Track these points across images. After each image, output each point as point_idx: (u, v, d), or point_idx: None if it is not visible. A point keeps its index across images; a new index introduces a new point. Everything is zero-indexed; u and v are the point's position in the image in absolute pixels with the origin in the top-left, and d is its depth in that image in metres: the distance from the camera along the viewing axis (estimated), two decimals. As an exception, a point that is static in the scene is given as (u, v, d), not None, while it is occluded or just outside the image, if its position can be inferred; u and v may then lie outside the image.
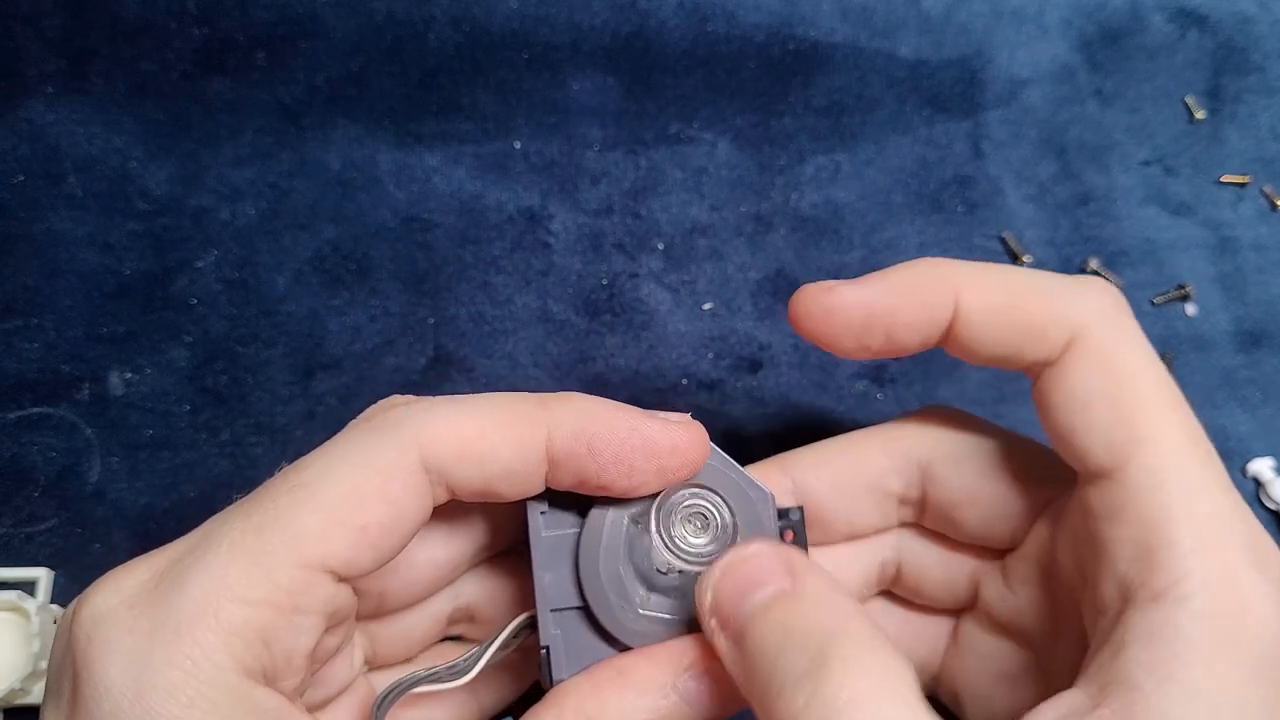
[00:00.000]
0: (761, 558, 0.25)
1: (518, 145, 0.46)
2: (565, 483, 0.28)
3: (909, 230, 0.46)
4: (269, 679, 0.24)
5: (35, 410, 0.40)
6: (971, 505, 0.30)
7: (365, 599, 0.29)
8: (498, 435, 0.26)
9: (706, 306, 0.44)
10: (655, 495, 0.28)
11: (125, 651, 0.22)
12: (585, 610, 0.28)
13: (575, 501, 0.29)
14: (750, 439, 0.42)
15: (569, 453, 0.27)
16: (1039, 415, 0.28)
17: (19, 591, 0.35)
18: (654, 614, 0.28)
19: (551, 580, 0.28)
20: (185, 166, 0.44)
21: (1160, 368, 0.27)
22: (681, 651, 0.26)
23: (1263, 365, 0.44)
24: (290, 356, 0.42)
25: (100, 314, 0.41)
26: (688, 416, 0.28)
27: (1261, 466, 0.42)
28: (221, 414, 0.41)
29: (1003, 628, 0.31)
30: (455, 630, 0.33)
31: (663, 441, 0.27)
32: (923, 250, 0.46)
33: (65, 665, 0.23)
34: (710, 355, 0.43)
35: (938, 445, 0.31)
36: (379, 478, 0.25)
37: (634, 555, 0.28)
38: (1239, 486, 0.42)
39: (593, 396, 0.28)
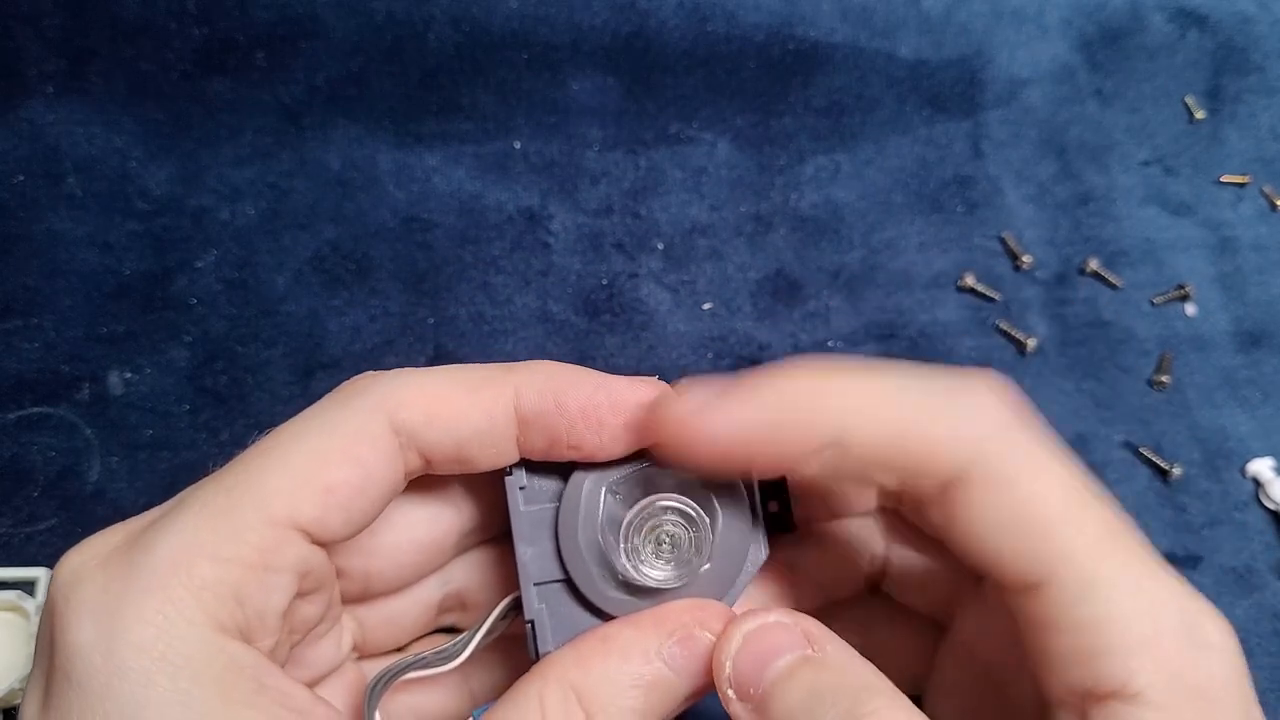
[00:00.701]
0: (779, 628, 0.25)
1: (518, 145, 0.46)
2: (538, 446, 0.28)
3: (909, 230, 0.46)
4: (244, 637, 0.24)
5: (35, 410, 0.40)
6: (919, 578, 0.30)
7: (349, 580, 0.29)
8: (465, 398, 0.27)
9: (706, 306, 0.44)
10: (632, 468, 0.28)
11: (97, 609, 0.22)
12: (568, 583, 0.28)
13: (553, 473, 0.29)
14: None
15: (537, 410, 0.27)
16: (944, 539, 0.27)
17: (19, 591, 0.35)
18: (631, 577, 0.28)
19: (533, 554, 0.28)
20: (185, 166, 0.44)
21: (1067, 467, 0.26)
22: (665, 617, 0.27)
23: (1263, 365, 0.44)
24: (290, 356, 0.42)
25: (100, 314, 0.41)
26: (654, 378, 0.28)
27: (1261, 466, 0.42)
28: (221, 414, 0.41)
29: (971, 655, 0.31)
30: (448, 619, 0.33)
31: (629, 395, 0.27)
32: (923, 250, 0.46)
33: (44, 629, 0.24)
34: (710, 355, 0.43)
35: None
36: (345, 440, 0.25)
37: (613, 525, 0.28)
38: (1239, 487, 0.42)
39: (559, 363, 0.28)
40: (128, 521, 0.25)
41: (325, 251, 0.43)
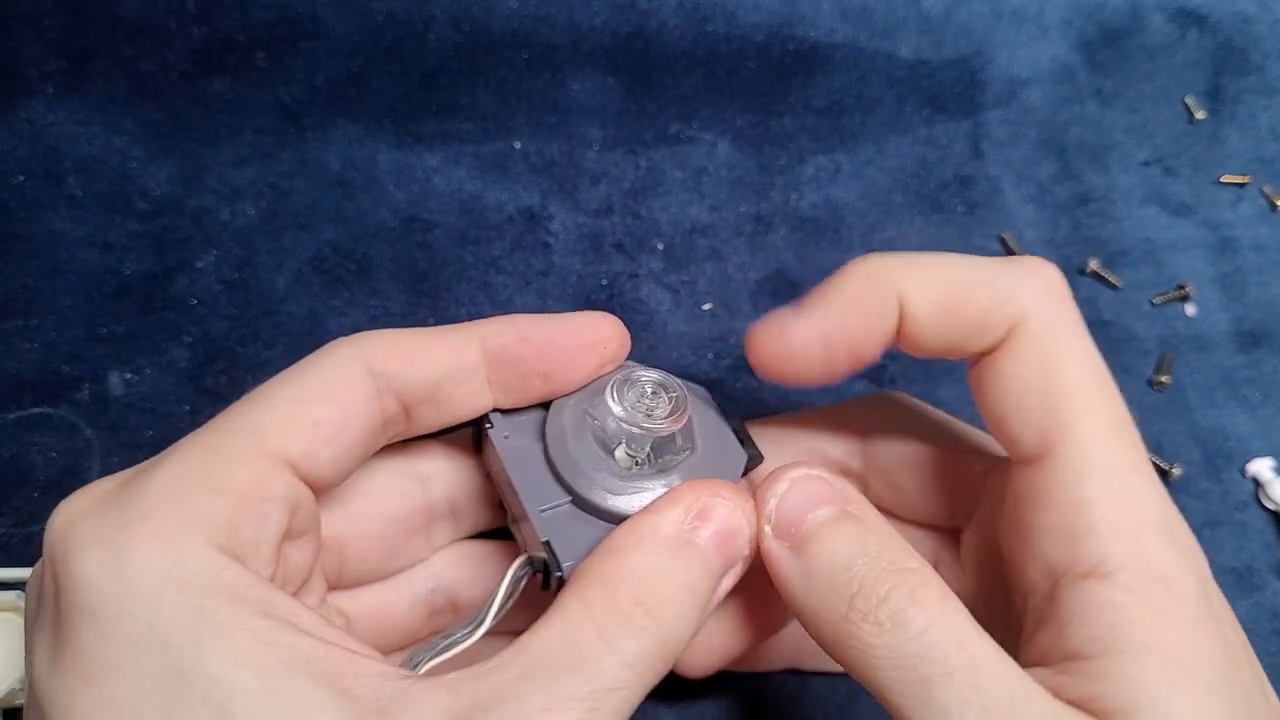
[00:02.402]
0: (823, 481, 0.27)
1: (518, 145, 0.46)
2: (510, 383, 0.29)
3: (909, 230, 0.46)
4: (251, 568, 0.24)
5: (35, 410, 0.40)
6: (907, 477, 0.32)
7: (325, 551, 0.30)
8: (435, 343, 0.29)
9: (706, 307, 0.44)
10: (602, 390, 0.30)
11: (98, 540, 0.23)
12: (572, 503, 0.29)
13: (529, 418, 0.30)
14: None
15: (503, 345, 0.29)
16: (975, 400, 0.29)
17: (18, 591, 0.35)
18: (637, 481, 0.29)
19: (532, 483, 0.29)
20: (185, 166, 0.44)
21: (1093, 354, 0.28)
22: (678, 497, 0.27)
23: (1262, 365, 0.44)
24: (290, 356, 0.41)
25: (100, 314, 0.41)
26: (605, 313, 0.31)
27: (1261, 466, 0.42)
28: (221, 414, 0.41)
29: (971, 555, 0.32)
30: (441, 621, 0.33)
31: (588, 322, 0.30)
32: (923, 250, 0.46)
33: (45, 580, 0.24)
34: (710, 355, 0.43)
35: (877, 420, 0.33)
36: (325, 382, 0.27)
37: (598, 435, 0.30)
38: (1239, 487, 0.42)
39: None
40: (119, 473, 0.26)
41: (325, 251, 0.43)
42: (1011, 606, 0.29)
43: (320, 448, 0.26)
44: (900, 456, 0.32)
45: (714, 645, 0.31)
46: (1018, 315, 0.27)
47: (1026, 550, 0.27)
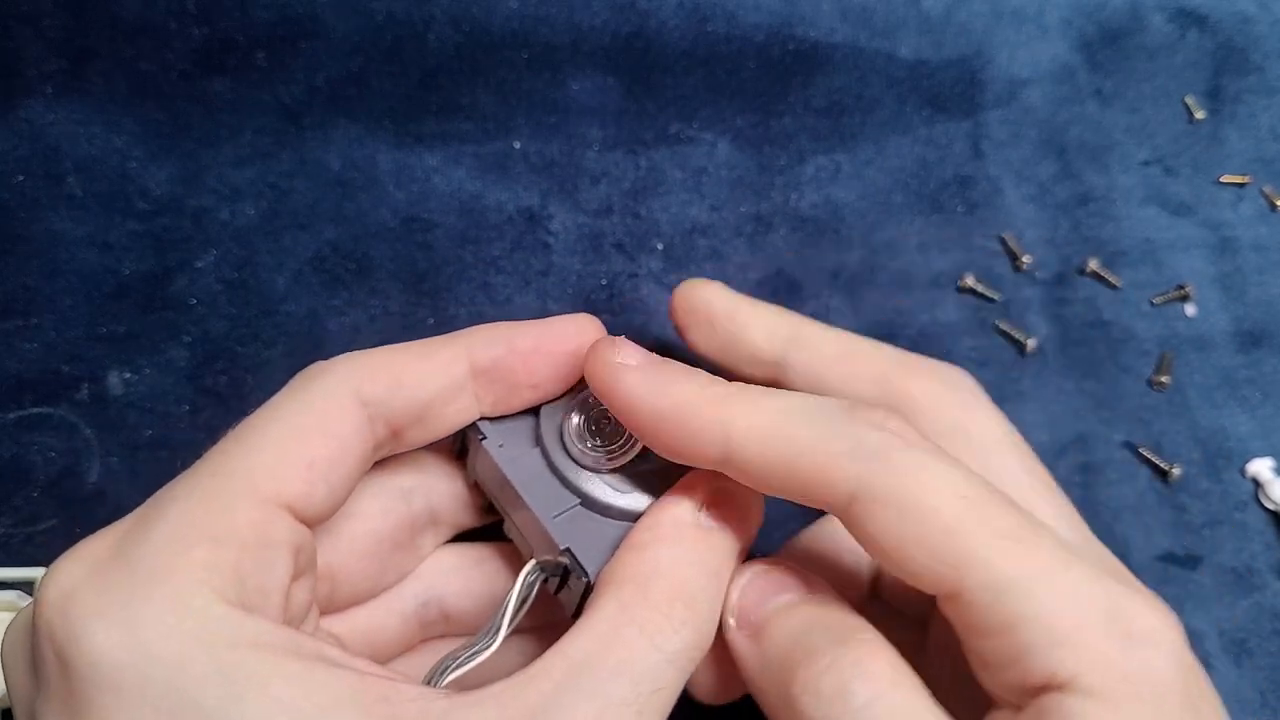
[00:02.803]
0: (787, 570, 0.27)
1: (518, 145, 0.46)
2: (498, 397, 0.29)
3: (909, 230, 0.46)
4: (267, 616, 0.24)
5: (35, 410, 0.40)
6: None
7: (318, 580, 0.29)
8: (422, 363, 0.28)
9: (706, 306, 0.44)
10: (588, 393, 0.30)
11: (105, 613, 0.22)
12: (581, 504, 0.29)
13: (519, 426, 0.30)
14: None
15: (490, 357, 0.29)
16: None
17: (18, 591, 0.35)
18: (639, 474, 0.29)
19: (539, 491, 0.29)
20: (185, 166, 0.44)
21: (955, 476, 0.25)
22: (691, 485, 0.28)
23: (1262, 365, 0.44)
24: (290, 356, 0.42)
25: (100, 314, 0.41)
26: (589, 315, 0.31)
27: (1261, 467, 0.42)
28: (221, 414, 0.41)
29: (940, 654, 0.31)
30: (435, 633, 0.33)
31: (570, 326, 0.30)
32: (923, 250, 0.46)
33: (44, 654, 0.22)
34: (710, 355, 0.43)
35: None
36: (318, 416, 0.26)
37: (592, 431, 0.30)
38: (1239, 487, 0.42)
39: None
40: (108, 528, 0.24)
41: (325, 251, 0.43)
42: (975, 694, 0.28)
43: (316, 486, 0.26)
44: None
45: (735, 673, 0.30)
46: (855, 481, 0.25)
47: (980, 670, 0.25)
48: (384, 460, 0.30)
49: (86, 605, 0.22)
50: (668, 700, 0.24)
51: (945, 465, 0.25)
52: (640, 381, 0.27)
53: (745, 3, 0.48)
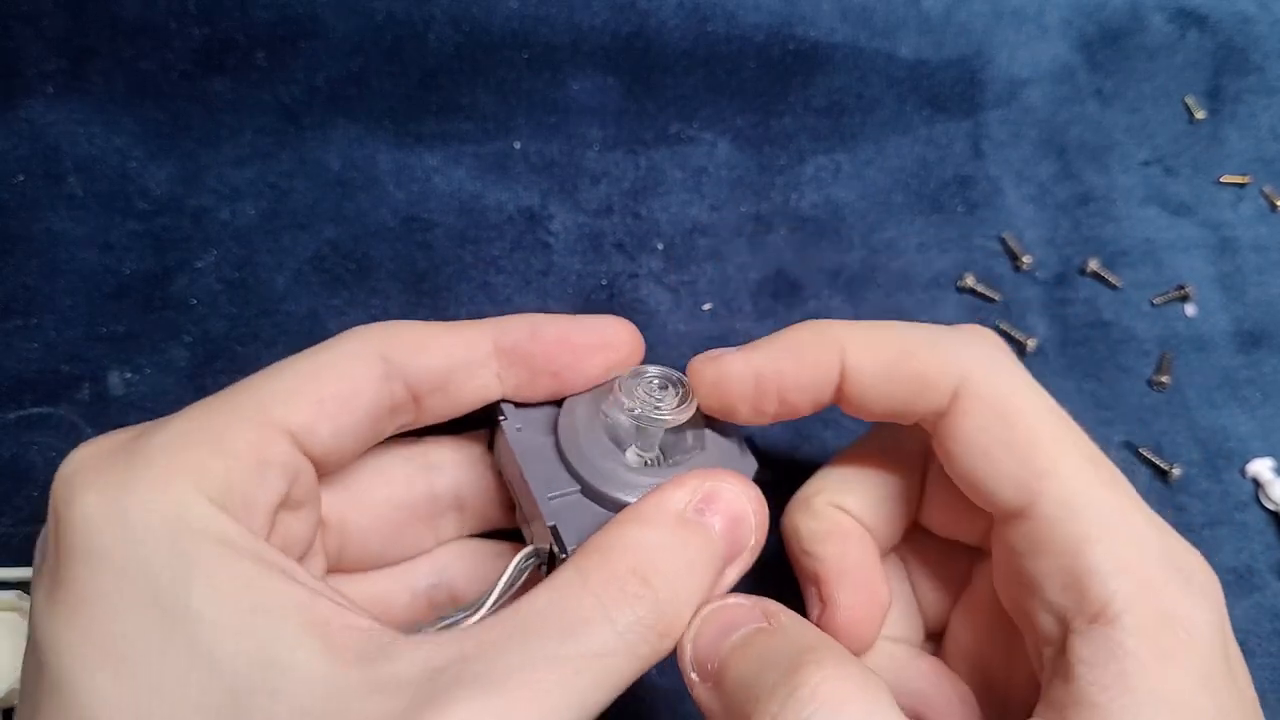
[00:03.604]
0: (737, 607, 0.26)
1: (518, 145, 0.46)
2: (520, 381, 0.30)
3: (909, 230, 0.46)
4: (244, 522, 0.25)
5: (35, 410, 0.40)
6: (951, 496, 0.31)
7: (328, 530, 0.30)
8: (448, 334, 0.29)
9: (706, 307, 0.44)
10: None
11: (100, 485, 0.24)
12: (581, 492, 0.29)
13: (540, 415, 0.31)
14: (748, 438, 0.42)
15: (514, 340, 0.30)
16: (946, 469, 0.28)
17: (18, 591, 0.35)
18: (647, 476, 0.29)
19: (542, 473, 0.29)
20: (185, 166, 0.44)
21: (1049, 402, 0.27)
22: (683, 481, 0.27)
23: (1262, 365, 0.44)
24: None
25: (100, 314, 0.41)
26: (619, 317, 0.31)
27: (1261, 467, 0.42)
28: (221, 414, 0.40)
29: (961, 663, 0.31)
30: (441, 614, 0.34)
31: (600, 324, 0.31)
32: (923, 250, 0.46)
33: (49, 524, 0.25)
34: (710, 355, 0.43)
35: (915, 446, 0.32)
36: (336, 361, 0.28)
37: (610, 432, 0.30)
38: (1239, 487, 0.42)
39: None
40: (124, 429, 0.26)
41: (325, 251, 0.43)
42: (1017, 662, 0.28)
43: (322, 422, 0.27)
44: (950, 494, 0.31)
45: None
46: (962, 377, 0.27)
47: (1032, 600, 0.26)
48: (419, 438, 0.31)
49: (86, 478, 0.24)
50: (618, 671, 0.23)
51: (1036, 385, 0.27)
52: (745, 349, 0.29)
53: (745, 3, 0.48)
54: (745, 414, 0.30)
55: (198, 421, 0.26)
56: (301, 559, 0.29)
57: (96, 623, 0.22)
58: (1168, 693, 0.23)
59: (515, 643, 0.23)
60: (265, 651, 0.22)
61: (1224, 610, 0.25)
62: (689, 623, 0.25)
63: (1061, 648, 0.25)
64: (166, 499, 0.23)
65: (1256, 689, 0.40)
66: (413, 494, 0.32)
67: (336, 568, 0.31)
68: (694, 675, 0.25)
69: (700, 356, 0.30)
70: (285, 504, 0.27)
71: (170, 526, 0.23)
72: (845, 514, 0.31)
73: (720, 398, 0.30)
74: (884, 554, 0.32)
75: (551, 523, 0.28)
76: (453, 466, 0.32)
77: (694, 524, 0.26)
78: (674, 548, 0.25)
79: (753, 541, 0.27)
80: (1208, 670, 0.23)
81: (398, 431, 0.30)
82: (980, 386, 0.27)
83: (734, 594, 0.27)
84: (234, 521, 0.24)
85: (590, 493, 0.29)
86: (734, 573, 0.27)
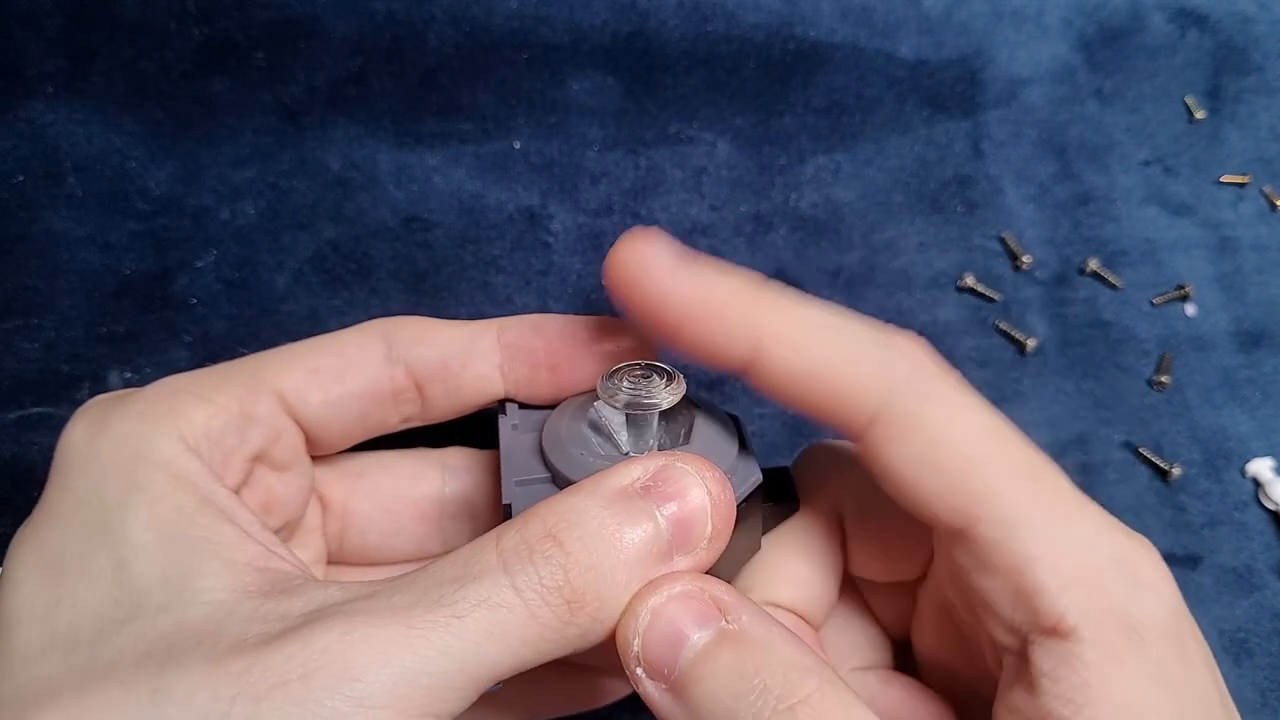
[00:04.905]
0: (688, 598, 0.23)
1: (518, 145, 0.46)
2: (521, 378, 0.30)
3: (909, 230, 0.46)
4: (209, 465, 0.26)
5: (35, 410, 0.40)
6: (878, 531, 0.30)
7: (330, 514, 0.31)
8: (452, 327, 0.30)
9: (706, 306, 0.44)
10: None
11: (89, 419, 0.26)
12: (550, 480, 0.28)
13: (539, 418, 0.30)
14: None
15: (517, 335, 0.30)
16: (881, 486, 0.27)
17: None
18: (611, 461, 0.27)
19: (516, 461, 0.29)
20: (185, 166, 0.44)
21: (978, 414, 0.26)
22: (638, 463, 0.25)
23: (1262, 365, 0.44)
24: (290, 356, 0.42)
25: (100, 314, 0.41)
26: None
27: (1261, 467, 0.42)
28: (221, 414, 0.41)
29: (938, 600, 0.30)
30: None
31: (602, 324, 0.30)
32: (923, 250, 0.46)
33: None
34: (710, 355, 0.43)
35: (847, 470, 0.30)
36: (337, 339, 0.30)
37: (600, 428, 0.29)
38: (1239, 487, 0.42)
39: None
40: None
41: (325, 251, 0.43)
42: (979, 658, 0.28)
43: (314, 390, 0.28)
44: (866, 510, 0.30)
45: None
46: (881, 400, 0.25)
47: (986, 613, 0.25)
48: (443, 448, 0.32)
49: (84, 415, 0.26)
50: (506, 626, 0.21)
51: (969, 399, 0.26)
52: (672, 270, 0.26)
53: (745, 3, 0.48)
54: (636, 318, 0.28)
55: (196, 378, 0.28)
56: (288, 529, 0.30)
57: (44, 536, 0.25)
58: (1129, 701, 0.23)
59: (406, 584, 0.22)
60: (172, 574, 0.23)
61: (1176, 595, 0.24)
62: (633, 612, 0.23)
63: (1021, 654, 0.24)
64: (137, 435, 0.25)
65: (1256, 689, 0.40)
66: (419, 491, 0.32)
67: (339, 557, 0.32)
68: (640, 671, 0.23)
69: (641, 237, 0.27)
70: (266, 460, 0.28)
71: (132, 459, 0.25)
72: (778, 609, 0.29)
73: (627, 292, 0.27)
74: (824, 619, 0.31)
75: (507, 502, 0.27)
76: (467, 473, 0.32)
77: (635, 499, 0.24)
78: (602, 518, 0.23)
79: (709, 530, 0.24)
80: (1164, 671, 0.23)
81: (405, 425, 0.31)
82: (903, 413, 0.25)
83: (681, 577, 0.24)
84: (199, 463, 0.25)
85: (558, 480, 0.28)
86: (685, 563, 0.24)
